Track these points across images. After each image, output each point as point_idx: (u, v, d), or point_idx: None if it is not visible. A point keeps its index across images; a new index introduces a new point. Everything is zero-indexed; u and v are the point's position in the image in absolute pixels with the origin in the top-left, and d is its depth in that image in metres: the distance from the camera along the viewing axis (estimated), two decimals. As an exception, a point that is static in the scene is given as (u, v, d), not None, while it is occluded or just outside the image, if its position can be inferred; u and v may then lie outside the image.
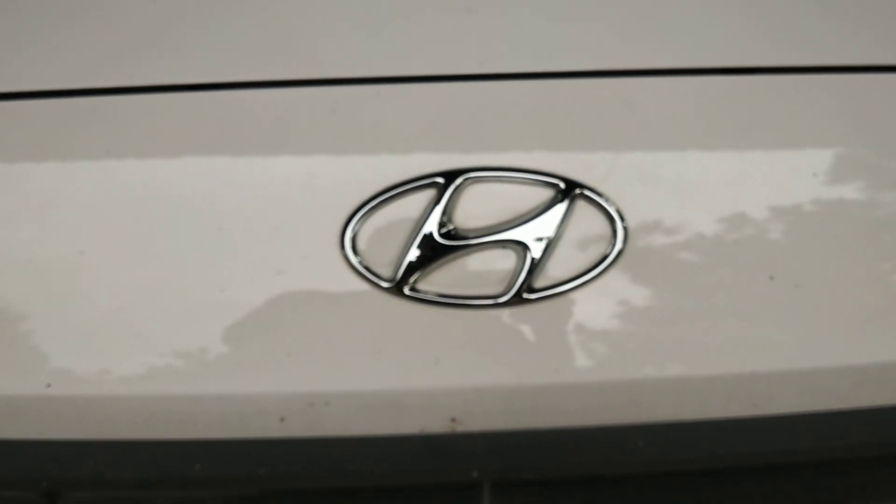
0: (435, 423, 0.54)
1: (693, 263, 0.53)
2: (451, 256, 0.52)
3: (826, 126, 0.56)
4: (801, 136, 0.55)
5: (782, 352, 0.54)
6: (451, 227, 0.52)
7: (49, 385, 0.52)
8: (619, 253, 0.53)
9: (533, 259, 0.52)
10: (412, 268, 0.52)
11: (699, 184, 0.54)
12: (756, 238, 0.54)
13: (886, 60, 0.60)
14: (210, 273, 0.52)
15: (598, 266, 0.52)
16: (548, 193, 0.52)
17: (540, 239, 0.52)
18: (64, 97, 0.56)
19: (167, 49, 0.58)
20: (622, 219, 0.53)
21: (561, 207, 0.52)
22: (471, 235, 0.52)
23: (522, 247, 0.52)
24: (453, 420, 0.54)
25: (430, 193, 0.52)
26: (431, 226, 0.52)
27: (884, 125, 0.57)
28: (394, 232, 0.52)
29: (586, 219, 0.52)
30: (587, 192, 0.52)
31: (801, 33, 0.60)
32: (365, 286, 0.52)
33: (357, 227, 0.52)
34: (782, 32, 0.60)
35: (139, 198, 0.53)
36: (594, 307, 0.53)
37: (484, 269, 0.52)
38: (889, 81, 0.59)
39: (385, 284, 0.52)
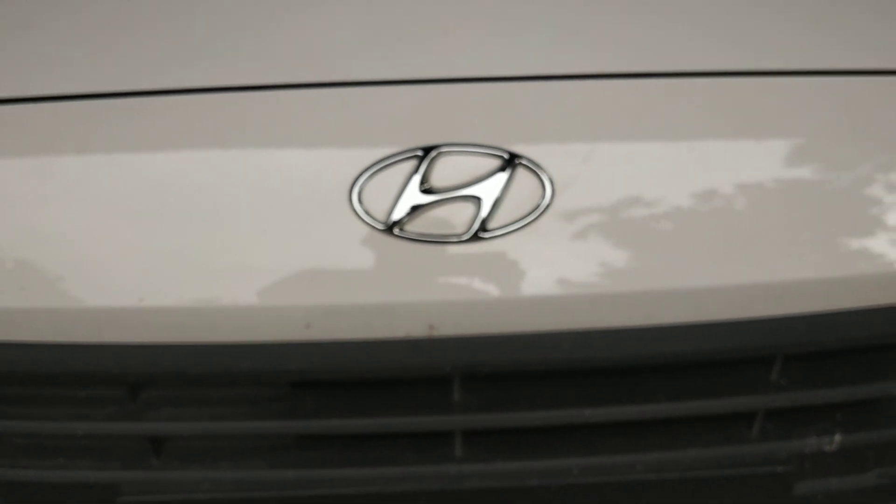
0: (417, 329, 0.74)
1: (601, 210, 0.74)
2: (428, 207, 0.73)
3: (698, 117, 0.78)
4: (681, 125, 0.77)
5: (668, 274, 0.75)
6: (428, 185, 0.73)
7: (142, 299, 0.73)
8: (548, 205, 0.73)
9: (485, 208, 0.73)
10: (400, 214, 0.73)
11: (607, 154, 0.75)
12: (648, 193, 0.75)
13: (778, 66, 0.81)
14: (259, 219, 0.73)
15: (532, 213, 0.73)
16: (496, 162, 0.73)
17: (490, 194, 0.73)
18: (138, 97, 0.77)
19: (213, 58, 0.79)
20: (550, 180, 0.74)
21: (505, 173, 0.73)
22: (442, 191, 0.73)
23: (478, 200, 0.73)
24: (431, 327, 0.75)
25: (414, 162, 0.73)
26: (414, 185, 0.72)
27: (752, 120, 0.79)
28: (388, 189, 0.73)
29: (524, 180, 0.73)
30: (524, 162, 0.73)
31: (703, 41, 0.82)
32: (367, 229, 0.73)
33: (361, 186, 0.73)
34: (689, 40, 0.82)
35: (205, 167, 0.74)
36: (531, 243, 0.73)
37: (452, 215, 0.73)
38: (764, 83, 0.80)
39: (381, 227, 0.73)
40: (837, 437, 0.83)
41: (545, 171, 0.74)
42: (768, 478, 0.83)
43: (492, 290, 0.74)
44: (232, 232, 0.73)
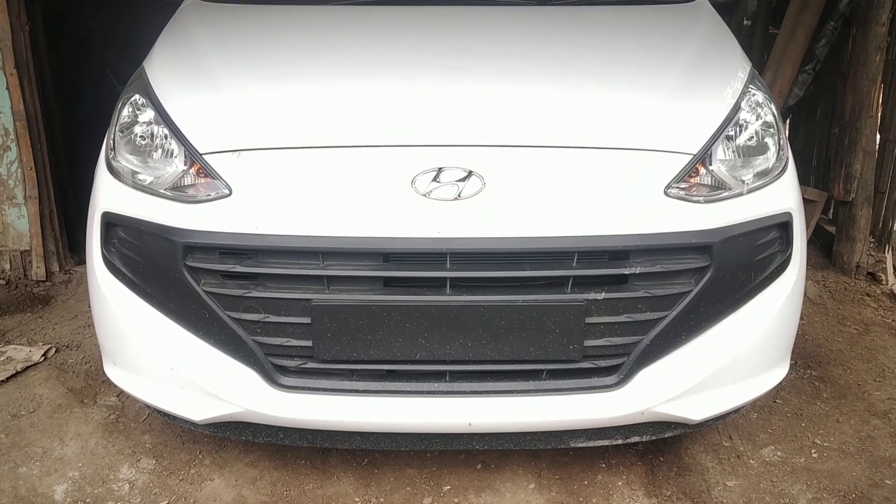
0: (433, 233, 1.97)
1: (508, 194, 1.99)
2: (437, 188, 1.97)
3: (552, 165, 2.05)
4: (541, 167, 2.05)
5: (538, 217, 1.98)
6: (438, 180, 1.98)
7: (323, 223, 1.96)
8: (483, 190, 1.98)
9: (459, 190, 1.98)
10: (428, 191, 1.97)
11: (511, 175, 2.01)
12: (528, 192, 2.00)
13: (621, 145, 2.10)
14: (377, 196, 1.98)
15: (478, 193, 1.97)
16: (464, 173, 1.98)
17: (461, 185, 1.98)
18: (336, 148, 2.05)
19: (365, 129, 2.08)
20: (485, 180, 1.99)
21: (468, 179, 1.98)
22: (444, 183, 1.98)
23: (458, 186, 1.97)
24: (439, 232, 1.97)
25: (434, 172, 1.98)
26: (434, 181, 1.97)
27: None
28: (424, 181, 1.98)
29: (475, 180, 1.99)
30: (475, 173, 1.99)
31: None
32: (416, 195, 1.97)
33: (415, 181, 1.97)
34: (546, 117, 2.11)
35: (355, 176, 2.01)
36: (477, 203, 1.97)
37: (447, 192, 1.97)
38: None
39: (421, 194, 1.96)
40: (602, 294, 2.03)
41: (484, 178, 2.00)
42: (574, 310, 2.03)
43: (463, 219, 1.98)
44: (363, 197, 1.98)
